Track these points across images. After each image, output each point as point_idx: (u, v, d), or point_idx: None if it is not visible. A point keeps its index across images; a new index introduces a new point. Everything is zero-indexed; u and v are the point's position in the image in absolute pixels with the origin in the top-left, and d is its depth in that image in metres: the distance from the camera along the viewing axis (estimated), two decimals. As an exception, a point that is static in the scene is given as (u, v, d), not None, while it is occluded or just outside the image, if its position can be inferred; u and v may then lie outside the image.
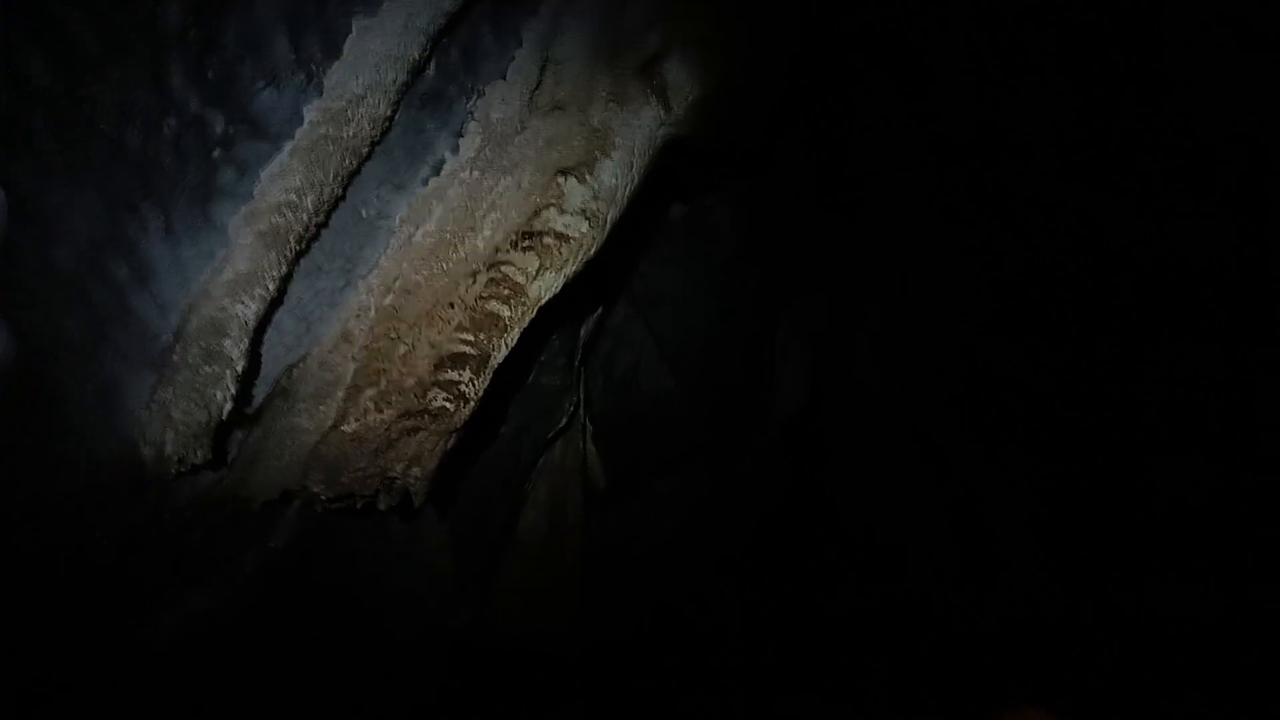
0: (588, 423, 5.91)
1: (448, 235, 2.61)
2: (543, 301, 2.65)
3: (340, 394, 2.44)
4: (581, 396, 5.04)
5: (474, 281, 2.52)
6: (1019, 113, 5.40)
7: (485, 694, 4.67)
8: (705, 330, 6.17)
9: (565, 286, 2.76)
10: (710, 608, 6.09)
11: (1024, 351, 5.97)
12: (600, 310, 4.73)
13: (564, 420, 4.37)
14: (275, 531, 2.78)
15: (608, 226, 2.75)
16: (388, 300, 2.53)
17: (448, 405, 2.36)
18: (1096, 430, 5.70)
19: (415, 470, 2.36)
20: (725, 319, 6.05)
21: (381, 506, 2.44)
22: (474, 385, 2.40)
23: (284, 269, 2.23)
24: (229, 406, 2.14)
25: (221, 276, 2.15)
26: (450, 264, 2.57)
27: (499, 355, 2.50)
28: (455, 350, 2.41)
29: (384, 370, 2.39)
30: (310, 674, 3.16)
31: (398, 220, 2.57)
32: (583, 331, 4.50)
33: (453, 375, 2.37)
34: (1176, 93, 4.91)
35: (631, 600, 6.21)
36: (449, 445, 2.44)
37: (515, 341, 2.58)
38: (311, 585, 3.04)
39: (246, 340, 2.17)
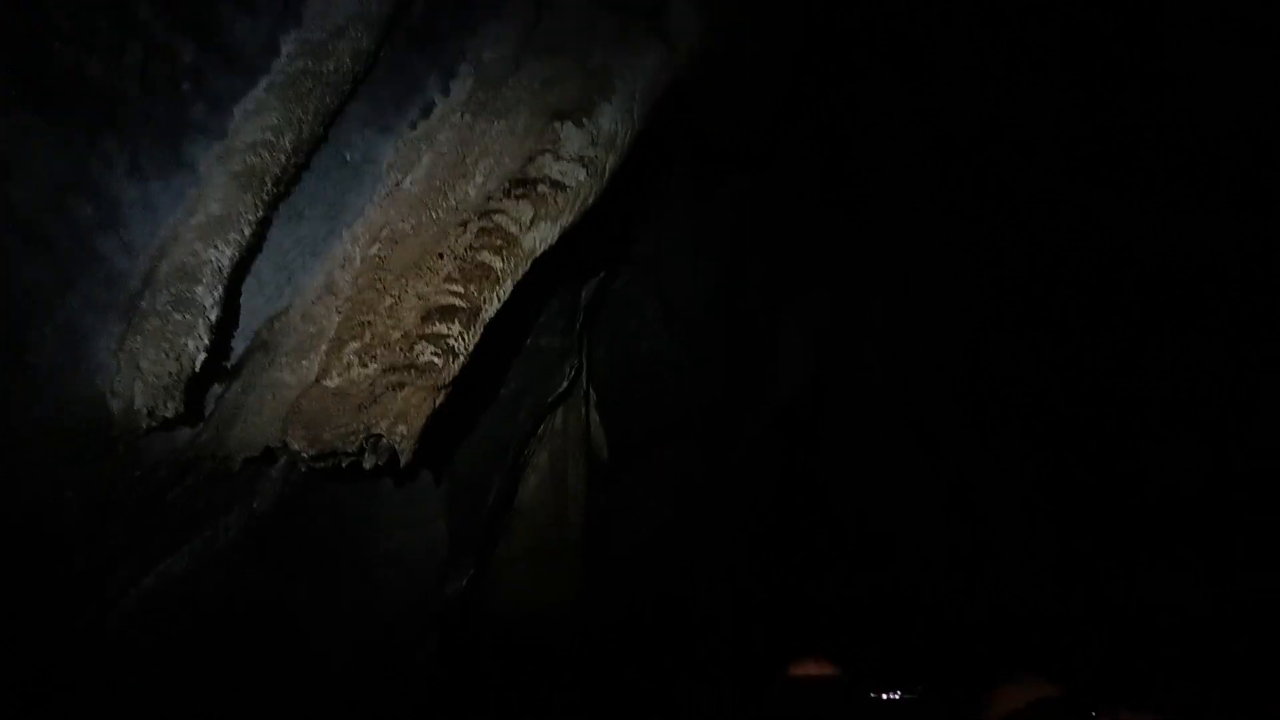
0: (591, 390, 5.80)
1: (437, 182, 2.47)
2: (537, 254, 2.52)
3: (323, 347, 2.32)
4: (584, 361, 4.92)
5: (464, 231, 2.39)
6: (1021, 109, 5.31)
7: (479, 678, 4.55)
8: (708, 307, 6.05)
9: (562, 240, 2.63)
10: (701, 596, 5.99)
11: (1024, 346, 5.91)
12: (603, 275, 4.60)
13: (564, 384, 4.25)
14: (259, 493, 2.68)
15: (606, 175, 2.61)
16: (374, 250, 2.40)
17: (435, 360, 2.23)
18: (1090, 419, 5.65)
19: (401, 428, 2.24)
20: (728, 306, 5.92)
21: (367, 466, 2.32)
22: (464, 340, 2.27)
23: (260, 212, 2.10)
24: (202, 357, 2.02)
25: (193, 219, 2.02)
26: (440, 212, 2.44)
27: (490, 309, 2.36)
28: (444, 302, 2.28)
29: (369, 323, 2.26)
30: (296, 640, 3.07)
31: (384, 165, 2.44)
32: (584, 295, 4.36)
33: (441, 328, 2.25)
34: (1179, 89, 4.84)
35: (630, 577, 6.12)
36: (437, 403, 2.32)
37: (508, 295, 2.45)
38: (298, 550, 2.94)
39: (221, 287, 2.04)
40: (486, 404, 3.55)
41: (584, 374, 5.10)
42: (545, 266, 2.74)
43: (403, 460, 2.26)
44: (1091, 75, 5.04)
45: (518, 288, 2.50)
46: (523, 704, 4.70)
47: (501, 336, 3.37)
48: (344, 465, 2.36)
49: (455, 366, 2.28)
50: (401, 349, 2.23)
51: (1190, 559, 5.06)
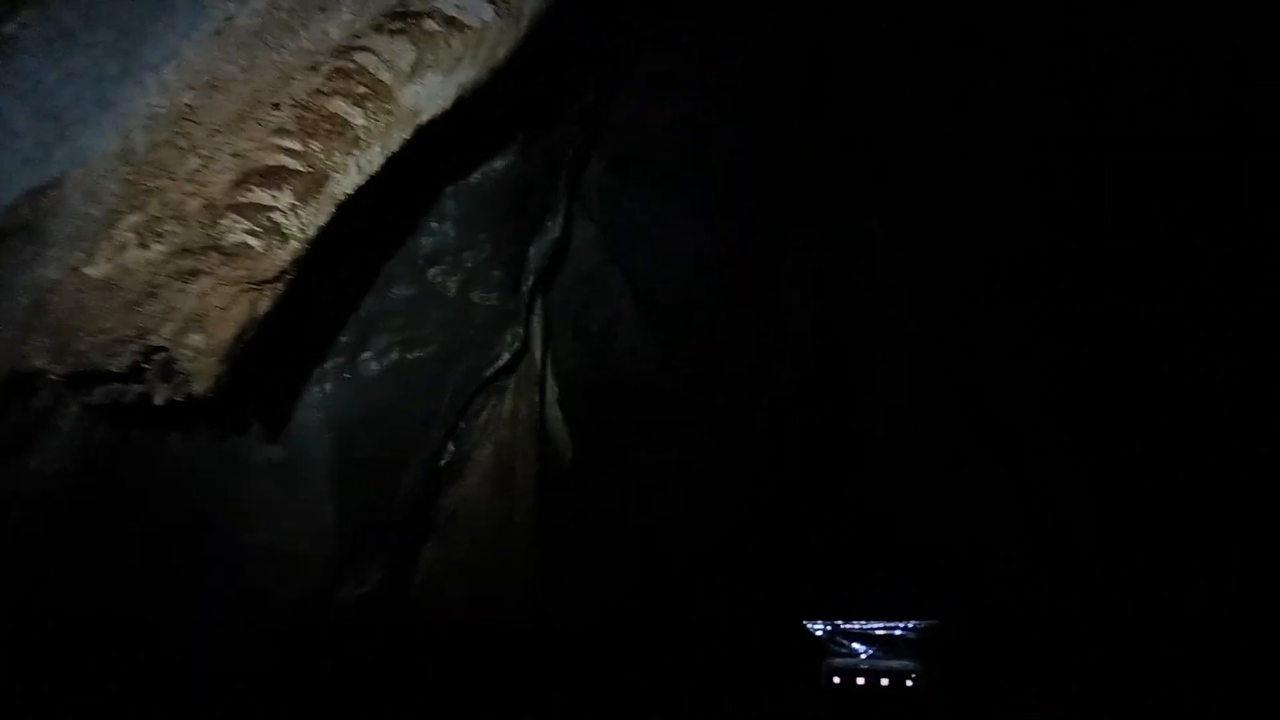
0: (549, 376, 5.09)
1: (283, 15, 1.77)
2: (423, 118, 1.81)
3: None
4: (535, 335, 4.21)
5: (315, 73, 1.69)
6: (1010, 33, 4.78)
7: (424, 692, 3.90)
8: (693, 277, 5.32)
9: (463, 108, 1.92)
10: (697, 598, 5.47)
11: (1022, 315, 5.39)
12: (558, 230, 3.90)
13: (506, 356, 3.52)
14: (41, 446, 1.94)
15: (526, 20, 1.91)
16: (185, 99, 1.70)
17: (251, 242, 1.53)
18: (1096, 408, 5.28)
19: (195, 338, 1.52)
20: (718, 261, 5.20)
21: (157, 400, 1.60)
22: (297, 216, 1.57)
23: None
24: None
25: None
26: (284, 54, 1.74)
27: (344, 181, 1.66)
28: (269, 162, 1.58)
29: (157, 189, 1.56)
30: (125, 646, 2.32)
31: (208, -15, 1.74)
32: (533, 251, 3.66)
33: (262, 197, 1.54)
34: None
35: (600, 587, 5.49)
36: (261, 310, 1.60)
37: (376, 169, 1.74)
38: (115, 534, 2.20)
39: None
40: (396, 364, 2.83)
41: (539, 354, 4.39)
42: (444, 151, 2.04)
43: (196, 386, 1.55)
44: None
45: (394, 164, 1.79)
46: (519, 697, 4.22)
47: (392, 255, 2.67)
48: (126, 401, 1.64)
49: (284, 255, 1.57)
50: (201, 224, 1.53)
51: (1191, 563, 4.87)
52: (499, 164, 2.80)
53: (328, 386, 2.61)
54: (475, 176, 2.70)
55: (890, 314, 5.77)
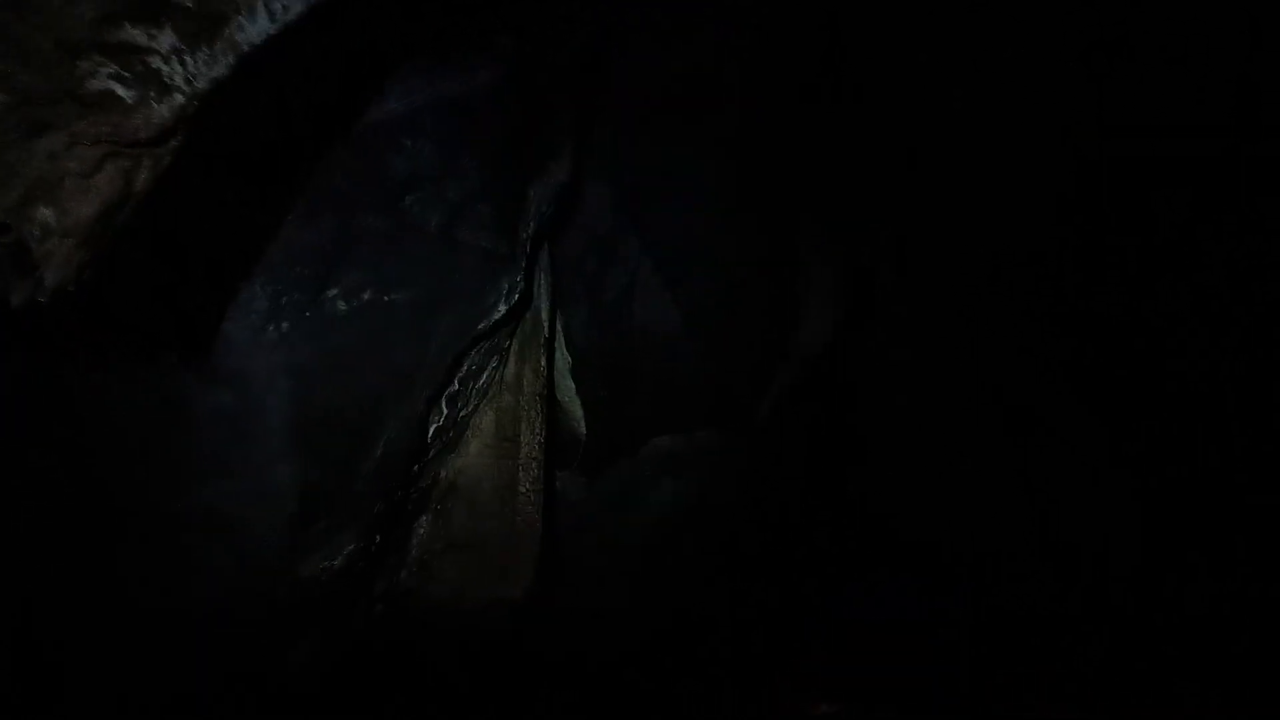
0: (560, 342, 4.76)
1: None
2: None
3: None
4: (543, 291, 3.86)
5: (215, -104, 1.34)
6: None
7: (414, 690, 3.62)
8: (714, 238, 4.95)
9: (446, 26, 1.57)
10: (698, 596, 5.25)
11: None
12: (564, 174, 3.54)
13: (502, 309, 3.16)
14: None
15: None
16: (56, -72, 1.36)
17: (119, 90, 1.19)
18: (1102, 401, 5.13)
19: (44, 211, 1.18)
20: (738, 221, 4.82)
21: (15, 299, 1.26)
22: (182, 64, 1.22)
23: None
24: None
25: None
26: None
27: (250, 28, 1.31)
28: (146, -7, 1.22)
29: (4, 25, 1.21)
30: (45, 638, 2.01)
31: None
32: (533, 193, 3.30)
33: (134, 35, 1.20)
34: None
35: (615, 582, 5.20)
36: (138, 184, 1.26)
37: (294, 16, 1.39)
38: (10, 481, 1.88)
39: None
40: (364, 305, 2.48)
41: (545, 314, 4.05)
42: (404, 37, 1.69)
43: (53, 278, 1.21)
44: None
45: (323, 19, 1.44)
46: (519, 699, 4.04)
47: (356, 171, 2.32)
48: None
49: (165, 111, 1.23)
50: (56, 67, 1.18)
51: (1192, 557, 4.81)
52: (484, 77, 2.44)
53: (284, 325, 2.27)
54: (454, 87, 2.35)
55: (894, 310, 5.48)
